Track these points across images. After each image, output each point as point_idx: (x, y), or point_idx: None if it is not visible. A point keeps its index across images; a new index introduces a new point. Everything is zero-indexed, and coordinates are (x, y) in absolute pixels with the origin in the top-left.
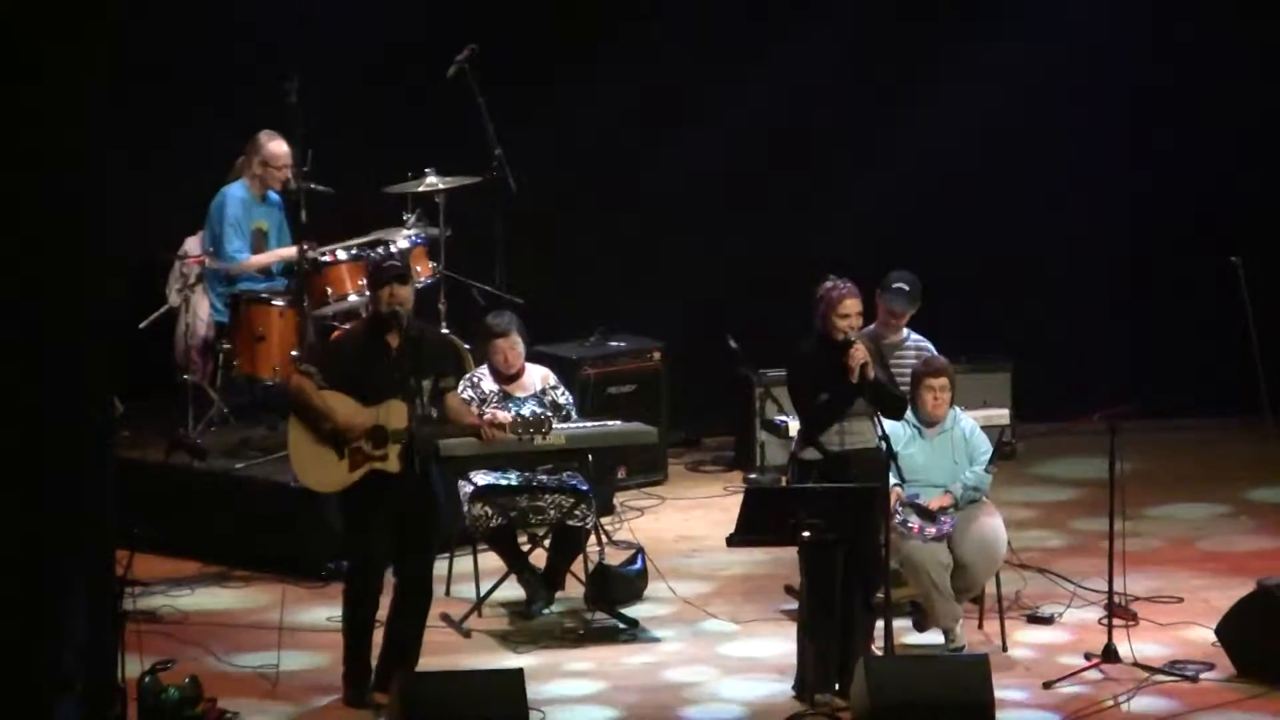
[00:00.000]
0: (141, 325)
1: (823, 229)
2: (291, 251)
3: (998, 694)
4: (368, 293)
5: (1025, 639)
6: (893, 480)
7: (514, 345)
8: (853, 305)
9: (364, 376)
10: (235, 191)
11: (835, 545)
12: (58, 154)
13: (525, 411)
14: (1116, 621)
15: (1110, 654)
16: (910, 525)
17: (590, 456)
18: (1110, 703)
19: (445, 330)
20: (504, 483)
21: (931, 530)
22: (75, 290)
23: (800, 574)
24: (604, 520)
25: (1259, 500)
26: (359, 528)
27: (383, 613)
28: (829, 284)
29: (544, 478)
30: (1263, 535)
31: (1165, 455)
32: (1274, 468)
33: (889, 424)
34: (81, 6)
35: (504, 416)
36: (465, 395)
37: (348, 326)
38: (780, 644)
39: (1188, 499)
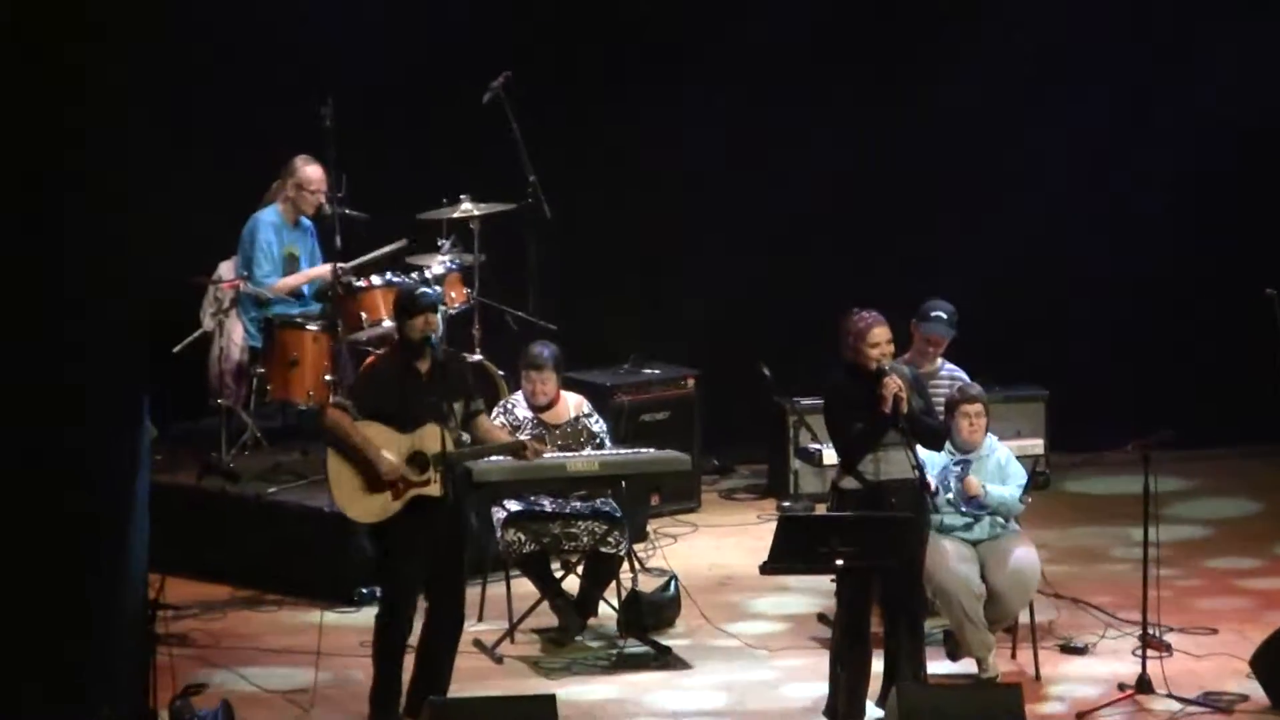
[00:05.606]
0: (176, 349)
1: (856, 257)
2: (323, 270)
3: None
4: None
5: (1059, 669)
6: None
7: (545, 380)
8: (881, 334)
9: (397, 404)
10: (267, 216)
11: (869, 574)
12: (99, 176)
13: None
14: (1150, 652)
15: (1144, 685)
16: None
17: (623, 483)
18: None
19: (479, 357)
20: (537, 509)
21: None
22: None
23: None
24: (637, 547)
25: None
26: (397, 553)
27: (413, 638)
28: (855, 315)
29: (577, 504)
30: None
31: (1198, 485)
32: None
33: (931, 454)
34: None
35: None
36: (498, 421)
37: (379, 354)
38: (813, 672)
39: (1219, 529)
